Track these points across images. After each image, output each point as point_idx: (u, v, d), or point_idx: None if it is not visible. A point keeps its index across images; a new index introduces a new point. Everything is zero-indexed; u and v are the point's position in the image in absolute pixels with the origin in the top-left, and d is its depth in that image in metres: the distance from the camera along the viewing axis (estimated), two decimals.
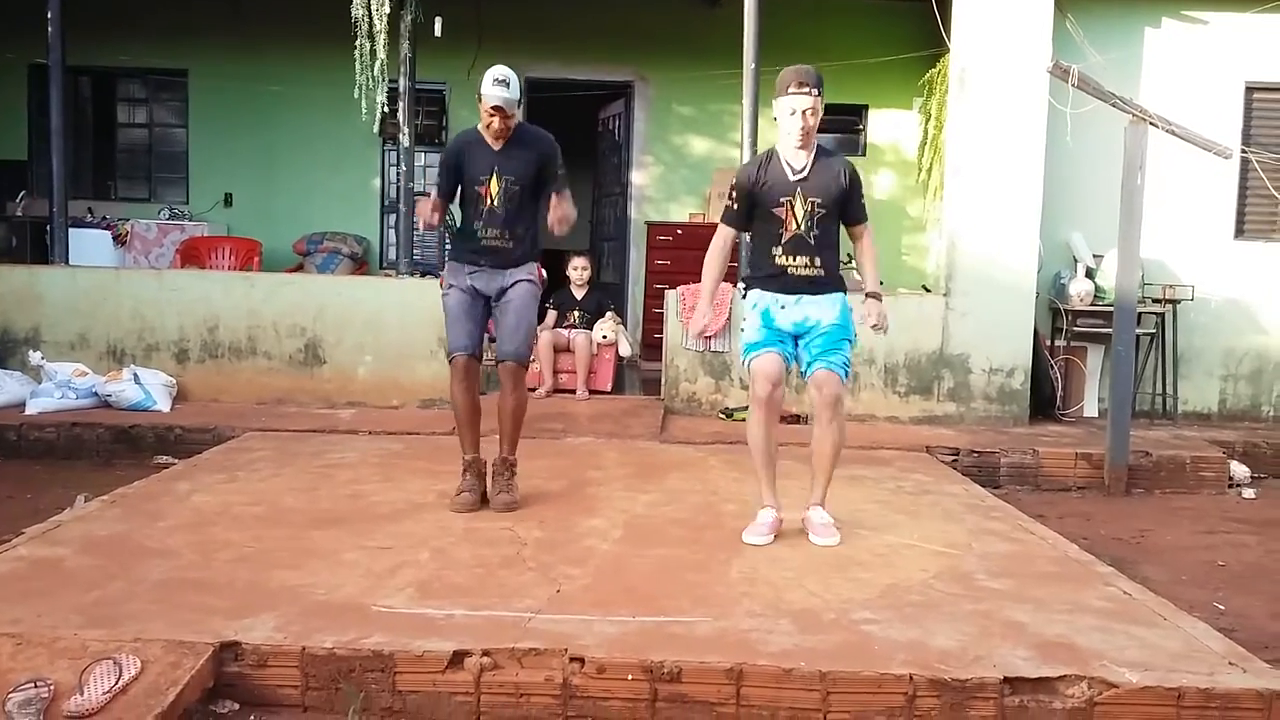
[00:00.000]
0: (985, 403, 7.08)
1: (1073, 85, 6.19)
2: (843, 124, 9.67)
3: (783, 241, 4.20)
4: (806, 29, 8.92)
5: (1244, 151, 7.40)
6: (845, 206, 4.28)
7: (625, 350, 7.51)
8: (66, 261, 7.22)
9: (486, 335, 4.85)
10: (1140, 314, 7.00)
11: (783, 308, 4.21)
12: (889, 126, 9.54)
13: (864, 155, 9.60)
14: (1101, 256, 7.50)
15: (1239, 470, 6.53)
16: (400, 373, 7.02)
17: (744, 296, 4.38)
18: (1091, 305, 7.49)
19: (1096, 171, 7.19)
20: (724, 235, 4.38)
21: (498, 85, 4.35)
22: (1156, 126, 6.01)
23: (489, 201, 4.51)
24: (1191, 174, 7.47)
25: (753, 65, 6.84)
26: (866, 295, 4.37)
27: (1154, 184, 6.39)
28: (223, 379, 7.03)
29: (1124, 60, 7.49)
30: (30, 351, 6.80)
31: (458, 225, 4.65)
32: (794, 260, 4.20)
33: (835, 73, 8.91)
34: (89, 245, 8.26)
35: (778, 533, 4.22)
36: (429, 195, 4.60)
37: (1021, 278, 7.05)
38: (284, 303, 7.08)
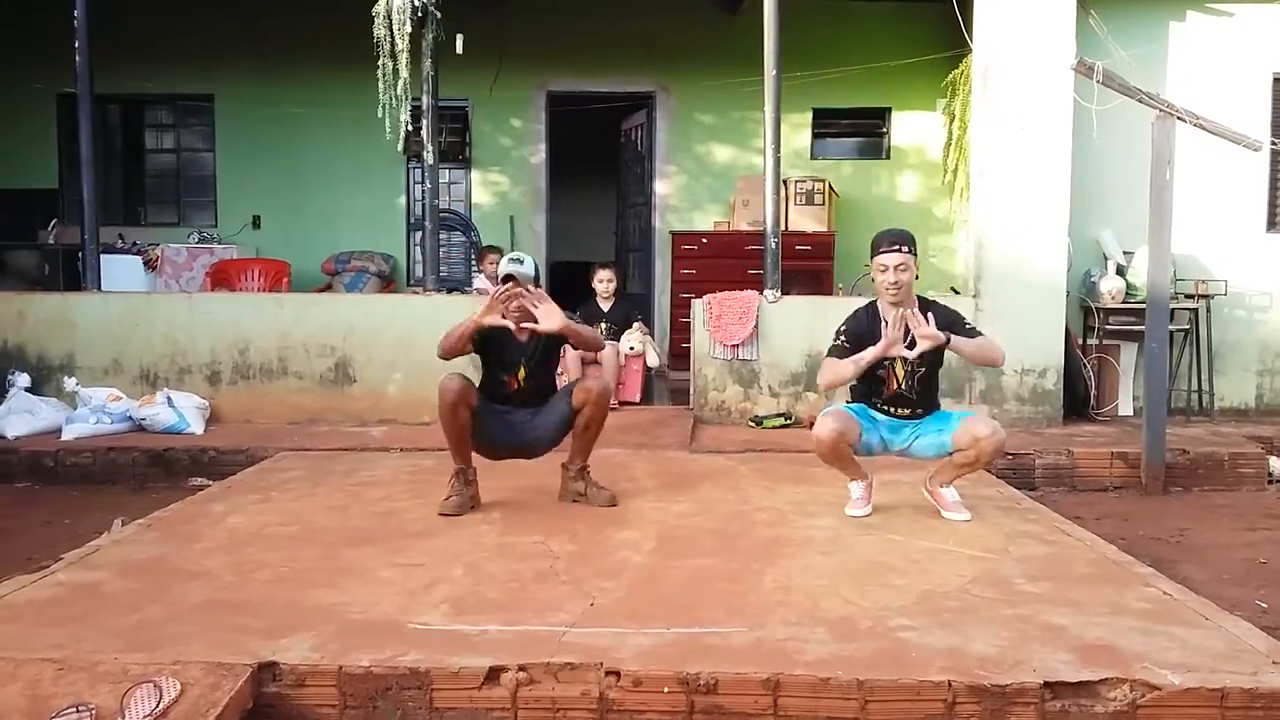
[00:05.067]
0: (1018, 404, 7.02)
1: (1098, 82, 6.14)
2: (867, 127, 9.66)
3: (884, 397, 4.52)
4: (828, 34, 8.93)
5: (1274, 144, 7.31)
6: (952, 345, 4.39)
7: (653, 360, 7.50)
8: (99, 288, 7.31)
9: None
10: (1173, 310, 6.92)
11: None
12: (913, 128, 9.50)
13: (888, 158, 9.58)
14: (1132, 253, 7.43)
15: (1278, 466, 6.45)
16: (430, 389, 6.87)
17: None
18: (1123, 303, 7.42)
19: (1124, 167, 7.12)
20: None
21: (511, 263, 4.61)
22: (1184, 121, 5.95)
23: (516, 385, 4.79)
24: (1221, 168, 7.39)
25: (774, 71, 6.82)
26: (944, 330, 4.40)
27: (1183, 179, 6.33)
28: (254, 400, 7.09)
29: (1149, 55, 7.42)
30: (65, 378, 6.90)
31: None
32: (896, 410, 4.56)
33: (857, 76, 9.09)
34: (120, 271, 8.37)
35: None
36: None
37: (1051, 277, 6.99)
38: (313, 323, 7.14)
